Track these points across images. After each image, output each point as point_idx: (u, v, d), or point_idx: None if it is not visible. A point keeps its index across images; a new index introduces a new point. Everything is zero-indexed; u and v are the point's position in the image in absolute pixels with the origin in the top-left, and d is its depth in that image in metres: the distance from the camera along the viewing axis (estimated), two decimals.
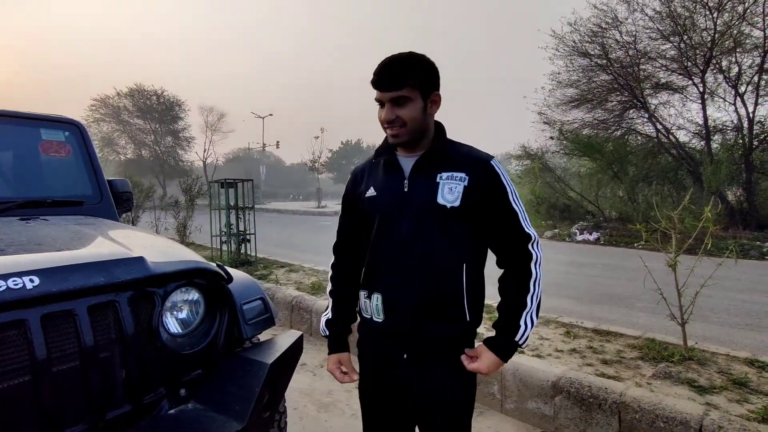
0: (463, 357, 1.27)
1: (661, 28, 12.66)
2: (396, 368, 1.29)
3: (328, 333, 1.46)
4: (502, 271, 1.32)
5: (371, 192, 1.34)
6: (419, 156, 1.29)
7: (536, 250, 1.26)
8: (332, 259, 1.51)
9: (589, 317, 4.23)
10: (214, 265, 1.60)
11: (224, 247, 6.74)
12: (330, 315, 1.47)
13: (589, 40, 13.65)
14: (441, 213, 1.23)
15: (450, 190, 1.23)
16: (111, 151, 35.19)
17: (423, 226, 1.24)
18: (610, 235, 11.79)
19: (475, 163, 1.26)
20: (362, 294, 1.36)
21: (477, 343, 1.31)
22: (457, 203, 1.22)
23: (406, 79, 1.19)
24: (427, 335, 1.25)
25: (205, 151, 41.45)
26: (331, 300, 1.48)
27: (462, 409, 1.30)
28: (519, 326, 1.22)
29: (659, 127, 13.60)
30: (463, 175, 1.24)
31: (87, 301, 1.24)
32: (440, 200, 1.23)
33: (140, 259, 1.39)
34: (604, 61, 13.63)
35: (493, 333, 1.29)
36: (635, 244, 10.21)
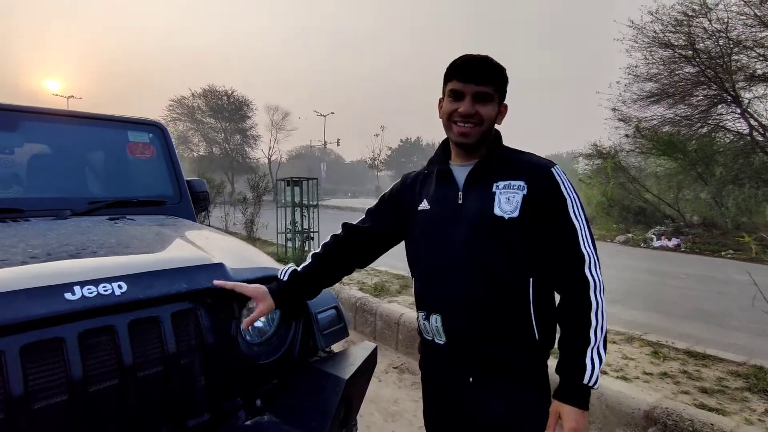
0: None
1: (759, 14, 11.39)
2: (462, 392, 1.21)
3: (283, 279, 1.38)
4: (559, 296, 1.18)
5: (424, 205, 1.27)
6: (474, 164, 1.21)
7: (595, 275, 1.12)
8: (337, 231, 1.43)
9: (678, 335, 3.84)
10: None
11: (289, 244, 6.89)
12: (299, 269, 1.38)
13: (673, 29, 12.57)
14: (498, 225, 1.14)
15: (508, 200, 1.15)
16: (185, 148, 37.51)
17: (479, 239, 1.15)
18: (693, 241, 10.83)
19: (534, 171, 1.17)
20: (420, 315, 1.29)
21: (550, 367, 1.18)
22: (515, 214, 1.13)
23: (493, 78, 1.16)
24: (493, 358, 1.16)
25: (270, 149, 43.14)
26: (309, 259, 1.40)
27: None
28: (585, 366, 1.08)
29: (754, 123, 12.27)
30: (521, 183, 1.15)
31: (171, 308, 1.23)
32: (497, 211, 1.14)
33: (220, 266, 1.37)
34: (690, 51, 12.49)
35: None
36: (722, 253, 9.30)
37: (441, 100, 1.23)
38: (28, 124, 2.12)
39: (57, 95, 36.02)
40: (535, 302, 1.14)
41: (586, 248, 1.13)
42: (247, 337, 1.45)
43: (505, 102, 1.21)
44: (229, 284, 1.31)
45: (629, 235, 12.29)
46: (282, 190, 7.01)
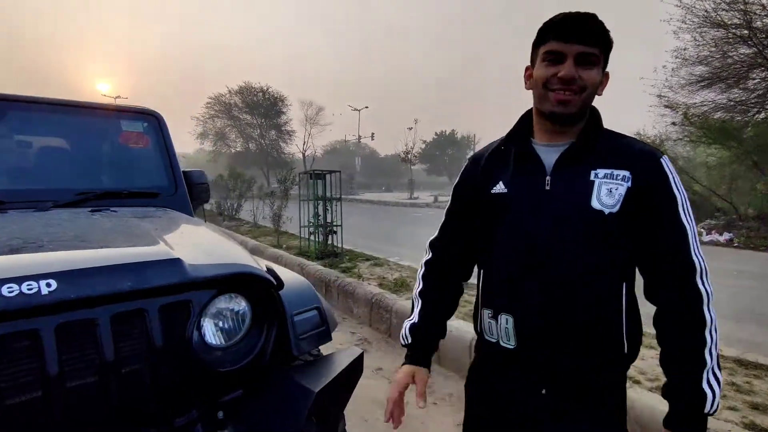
0: None
1: None
2: (530, 404, 1.06)
3: (410, 341, 1.23)
4: (655, 306, 1.02)
5: (500, 188, 1.10)
6: (568, 145, 1.04)
7: (707, 285, 0.96)
8: (426, 255, 1.28)
9: (727, 339, 3.45)
10: (264, 268, 1.39)
11: (312, 238, 6.80)
12: (416, 320, 1.24)
13: (727, 7, 11.63)
14: (595, 220, 0.99)
15: (609, 192, 0.99)
16: (223, 144, 38.50)
17: (569, 234, 1.01)
18: (747, 236, 10.03)
19: (641, 160, 1.00)
20: (485, 313, 1.13)
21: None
22: (616, 209, 0.98)
23: (600, 38, 0.98)
24: (572, 369, 1.02)
25: (304, 144, 43.60)
26: (420, 302, 1.25)
27: None
28: (704, 392, 0.92)
29: None
30: (626, 173, 0.99)
31: (111, 309, 1.08)
32: (595, 204, 0.99)
33: (176, 261, 1.21)
34: (746, 31, 11.54)
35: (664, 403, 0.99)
36: None
37: (528, 69, 1.08)
38: (15, 113, 2.06)
39: (105, 95, 37.74)
40: (627, 311, 1.01)
41: (696, 255, 0.97)
42: (210, 341, 1.29)
43: (607, 70, 1.03)
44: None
45: None
46: (306, 184, 6.91)
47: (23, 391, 0.97)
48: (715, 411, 0.94)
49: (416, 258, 1.23)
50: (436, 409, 2.76)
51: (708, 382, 0.93)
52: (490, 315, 1.12)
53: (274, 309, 1.38)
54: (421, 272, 1.28)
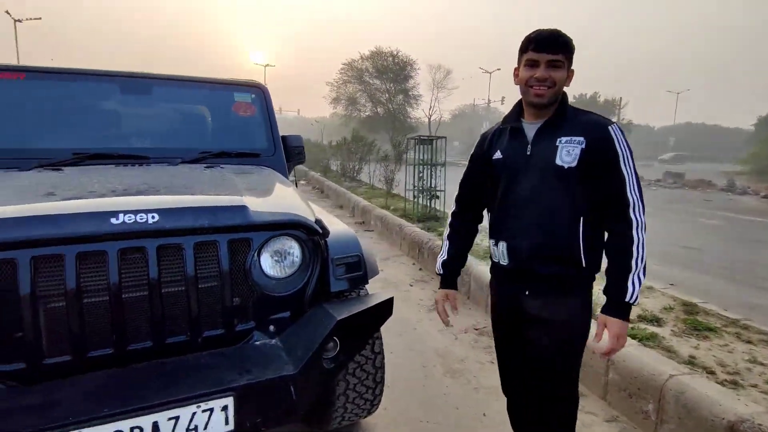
0: (592, 342, 1.52)
1: None
2: (520, 302, 1.53)
3: (442, 272, 1.76)
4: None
5: (498, 155, 1.56)
6: (543, 122, 1.47)
7: (637, 216, 1.37)
8: (452, 208, 1.77)
9: None
10: (312, 218, 1.70)
11: (415, 201, 7.10)
12: (445, 257, 1.75)
13: None
14: (559, 173, 1.40)
15: (568, 152, 1.40)
16: (354, 109, 40.38)
17: (543, 184, 1.43)
18: None
19: (592, 128, 1.41)
20: (491, 242, 1.61)
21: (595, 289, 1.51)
22: (573, 164, 1.39)
23: (563, 48, 1.40)
24: (544, 274, 1.46)
25: (430, 108, 43.58)
26: (447, 243, 1.77)
27: (572, 342, 1.48)
28: (627, 288, 1.36)
29: None
30: (581, 138, 1.40)
31: (194, 239, 1.49)
32: (558, 161, 1.40)
33: (242, 208, 1.58)
34: None
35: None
36: None
37: (516, 69, 1.49)
38: (158, 89, 2.65)
39: (257, 64, 42.06)
40: (584, 237, 1.42)
41: (632, 194, 1.37)
42: (267, 271, 1.66)
43: (572, 68, 1.45)
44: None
45: None
46: (413, 149, 7.17)
47: (135, 290, 1.43)
48: (635, 301, 1.36)
49: None
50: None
51: (632, 282, 1.35)
52: (493, 243, 1.59)
53: (319, 252, 1.69)
54: (449, 221, 1.79)
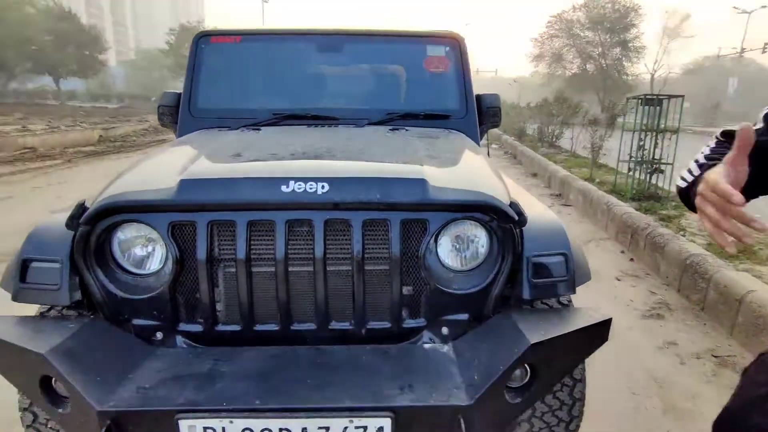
0: None
1: None
2: None
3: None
4: None
5: None
6: None
7: None
8: None
9: None
10: (506, 200, 1.31)
11: (631, 174, 5.87)
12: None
13: None
14: None
15: None
16: (558, 66, 36.57)
17: None
18: None
19: None
20: None
21: None
22: None
23: None
24: None
25: (655, 62, 36.55)
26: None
27: None
28: None
29: None
30: None
31: (363, 215, 1.28)
32: None
33: (420, 182, 1.29)
34: None
35: None
36: None
37: None
38: (350, 46, 2.53)
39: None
40: None
41: None
42: (445, 261, 1.36)
43: None
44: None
45: None
46: (635, 111, 5.87)
47: (301, 264, 1.29)
48: None
49: None
50: None
51: None
52: None
53: (511, 244, 1.30)
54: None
